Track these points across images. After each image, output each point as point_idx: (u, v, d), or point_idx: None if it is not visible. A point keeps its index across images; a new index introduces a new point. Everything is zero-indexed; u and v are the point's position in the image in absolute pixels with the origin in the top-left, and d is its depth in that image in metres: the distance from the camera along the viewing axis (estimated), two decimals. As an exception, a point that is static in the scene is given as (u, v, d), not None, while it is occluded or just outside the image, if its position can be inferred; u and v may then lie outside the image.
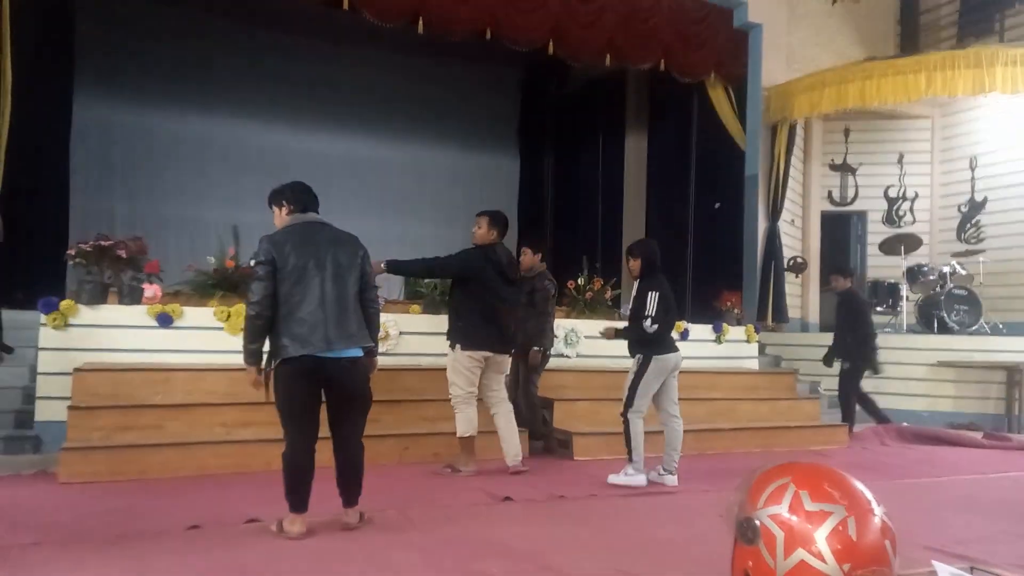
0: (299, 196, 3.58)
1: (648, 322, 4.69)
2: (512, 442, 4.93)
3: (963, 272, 9.12)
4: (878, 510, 1.03)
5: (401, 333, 6.30)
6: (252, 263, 3.83)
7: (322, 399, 3.40)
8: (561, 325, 6.81)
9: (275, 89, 10.66)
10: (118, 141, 9.84)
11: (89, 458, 4.45)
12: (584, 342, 7.04)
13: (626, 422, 4.75)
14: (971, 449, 6.78)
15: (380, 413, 5.45)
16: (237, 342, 3.74)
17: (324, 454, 3.44)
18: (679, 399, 4.93)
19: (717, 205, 10.27)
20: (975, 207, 10.03)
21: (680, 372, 4.91)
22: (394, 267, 4.94)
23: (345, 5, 7.48)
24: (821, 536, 1.00)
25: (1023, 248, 9.40)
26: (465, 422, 4.84)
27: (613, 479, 4.71)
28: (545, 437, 5.98)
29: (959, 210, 10.18)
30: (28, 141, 6.95)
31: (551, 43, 8.54)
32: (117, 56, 9.66)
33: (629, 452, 4.72)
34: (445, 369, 4.93)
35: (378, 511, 3.70)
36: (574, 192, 12.46)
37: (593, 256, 10.43)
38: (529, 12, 8.33)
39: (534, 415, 5.88)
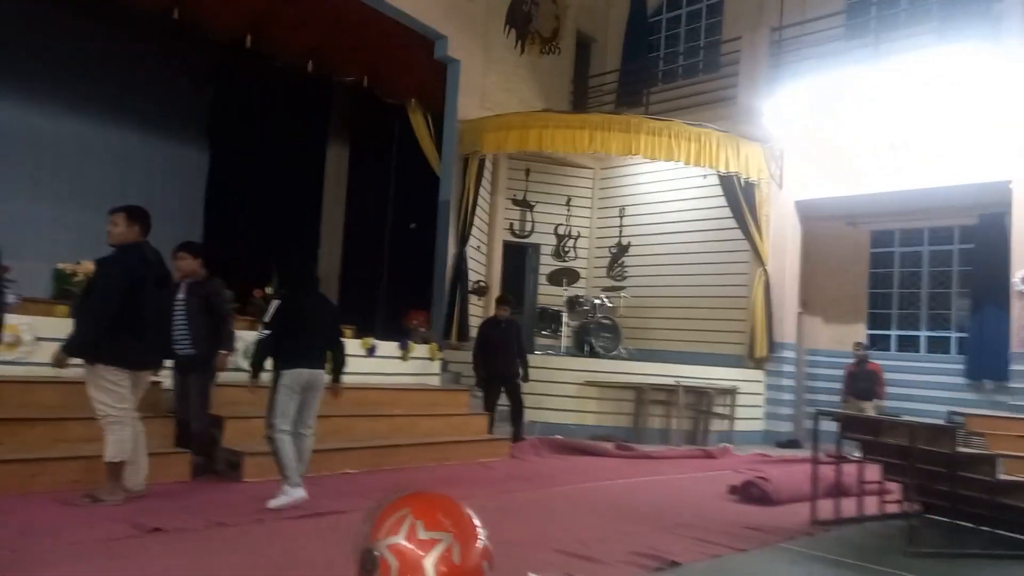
0: None
1: (260, 328, 4.74)
2: (142, 465, 4.51)
3: (608, 304, 10.72)
4: (482, 534, 1.19)
5: (39, 339, 5.39)
6: None
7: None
8: (242, 337, 6.44)
9: None
10: None
11: None
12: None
13: (271, 442, 4.67)
14: (605, 458, 7.92)
15: (3, 434, 4.64)
16: None
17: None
18: (371, 415, 4.95)
19: (412, 226, 10.66)
20: (621, 250, 11.86)
21: (367, 389, 4.98)
22: (77, 349, 4.25)
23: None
24: (429, 563, 1.11)
25: (652, 288, 11.40)
26: (117, 444, 4.31)
27: (273, 503, 4.54)
28: (211, 455, 5.56)
29: (609, 251, 11.96)
30: None
31: (248, 37, 8.14)
32: None
33: (281, 471, 4.65)
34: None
35: (-16, 554, 3.12)
36: (269, 196, 11.79)
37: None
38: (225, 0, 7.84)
39: (206, 429, 5.47)
